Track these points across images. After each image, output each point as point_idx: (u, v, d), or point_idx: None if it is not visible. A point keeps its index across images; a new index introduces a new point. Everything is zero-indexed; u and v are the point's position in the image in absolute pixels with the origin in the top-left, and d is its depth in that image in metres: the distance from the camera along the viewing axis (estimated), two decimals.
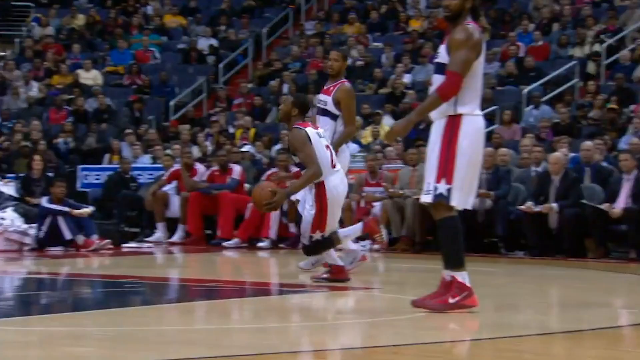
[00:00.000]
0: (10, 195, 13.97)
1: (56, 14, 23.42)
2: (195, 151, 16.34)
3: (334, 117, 8.99)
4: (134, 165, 15.87)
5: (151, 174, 15.69)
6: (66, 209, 12.83)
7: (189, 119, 19.67)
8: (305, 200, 8.60)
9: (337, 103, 8.95)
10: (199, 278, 9.03)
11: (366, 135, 17.01)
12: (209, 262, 12.10)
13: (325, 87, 9.19)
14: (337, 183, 8.32)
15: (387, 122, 17.39)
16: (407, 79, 19.04)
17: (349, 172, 14.75)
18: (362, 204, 13.36)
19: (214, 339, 5.71)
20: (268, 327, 6.21)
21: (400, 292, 7.98)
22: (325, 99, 9.06)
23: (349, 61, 20.12)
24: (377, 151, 14.71)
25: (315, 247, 8.40)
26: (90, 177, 16.44)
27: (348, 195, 13.48)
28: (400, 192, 13.10)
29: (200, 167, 14.51)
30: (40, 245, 12.73)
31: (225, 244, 13.44)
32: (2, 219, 12.75)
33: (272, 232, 13.32)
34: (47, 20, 22.97)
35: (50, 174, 14.75)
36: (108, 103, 19.69)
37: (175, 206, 14.22)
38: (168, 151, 15.79)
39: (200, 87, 20.97)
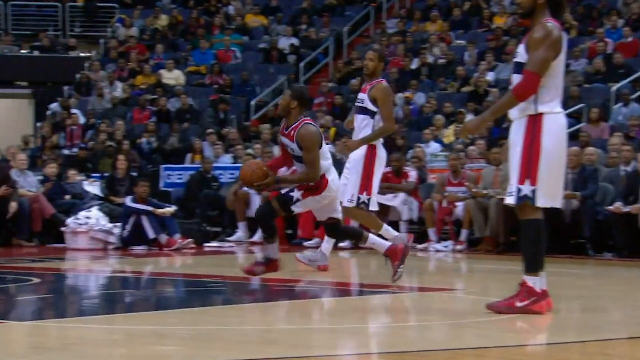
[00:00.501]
0: (95, 195, 14.26)
1: (140, 15, 23.79)
2: (276, 150, 16.42)
3: (371, 114, 9.08)
4: (215, 164, 16.03)
5: (232, 174, 15.81)
6: (149, 208, 13.01)
7: (270, 118, 19.79)
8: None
9: (373, 100, 9.05)
10: (280, 278, 9.05)
11: (448, 134, 16.88)
12: (289, 262, 12.13)
13: (363, 86, 9.33)
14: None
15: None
16: (490, 76, 18.84)
17: (430, 170, 14.80)
18: (444, 203, 13.26)
19: (294, 339, 5.72)
20: (349, 327, 6.20)
21: (483, 294, 7.89)
22: (362, 97, 9.20)
23: (431, 59, 20.13)
24: (459, 150, 14.58)
25: (344, 232, 8.46)
26: (173, 176, 16.64)
27: (430, 195, 13.47)
28: (484, 191, 12.96)
29: (281, 168, 14.55)
30: (124, 244, 12.94)
31: (306, 243, 13.47)
32: (88, 218, 13.00)
33: None
34: (131, 21, 23.35)
35: (133, 174, 14.99)
36: (190, 103, 19.93)
37: (256, 205, 14.29)
38: (249, 150, 15.90)
39: (281, 87, 21.07)
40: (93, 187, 14.65)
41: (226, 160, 16.83)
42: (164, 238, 12.94)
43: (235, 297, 8.30)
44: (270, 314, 7.14)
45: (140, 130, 19.08)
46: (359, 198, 8.97)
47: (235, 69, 21.63)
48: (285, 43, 22.27)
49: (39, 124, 20.38)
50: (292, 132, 8.18)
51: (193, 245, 13.13)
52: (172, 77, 21.15)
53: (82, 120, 19.44)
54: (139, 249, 12.81)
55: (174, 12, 23.69)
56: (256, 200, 14.30)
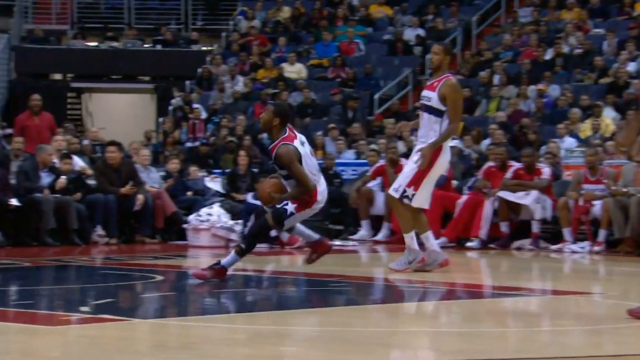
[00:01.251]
0: (217, 191, 14.49)
1: (262, 7, 24.07)
2: (401, 146, 16.36)
3: (439, 114, 9.02)
4: (338, 160, 16.07)
5: (355, 170, 15.83)
6: None
7: (394, 113, 19.73)
8: None
9: (442, 99, 8.98)
10: (405, 278, 9.02)
11: (585, 129, 16.51)
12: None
13: (428, 83, 9.25)
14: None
15: (608, 114, 16.80)
16: (631, 67, 18.34)
17: (565, 167, 14.51)
18: (581, 202, 12.96)
19: (420, 342, 5.69)
20: (479, 331, 6.13)
21: (623, 299, 7.69)
22: (429, 95, 9.10)
23: (567, 49, 19.71)
24: (597, 145, 14.24)
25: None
26: None
27: (564, 193, 13.18)
28: (624, 189, 12.62)
29: (406, 162, 14.49)
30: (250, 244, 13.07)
31: None
32: (209, 214, 13.23)
33: (483, 232, 13.14)
34: (254, 14, 23.65)
35: (255, 170, 15.17)
36: (312, 97, 20.05)
37: (380, 203, 14.29)
38: (373, 146, 15.88)
39: (406, 80, 20.99)
40: (214, 184, 14.88)
41: (349, 156, 16.87)
42: (285, 236, 13.04)
43: (359, 297, 8.31)
44: (396, 315, 7.11)
45: None
46: (404, 190, 9.10)
47: (358, 61, 21.66)
48: (410, 34, 22.17)
49: (160, 119, 20.86)
50: (272, 152, 8.39)
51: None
52: (294, 70, 21.33)
53: (203, 115, 19.79)
54: (261, 246, 12.95)
55: (296, 4, 23.88)
56: (380, 198, 14.29)
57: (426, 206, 9.27)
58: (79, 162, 14.09)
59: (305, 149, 8.46)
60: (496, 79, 19.12)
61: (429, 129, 9.09)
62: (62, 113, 21.56)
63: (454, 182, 14.18)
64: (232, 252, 8.57)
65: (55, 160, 13.60)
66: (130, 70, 23.90)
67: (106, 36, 24.33)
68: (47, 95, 18.57)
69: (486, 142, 16.07)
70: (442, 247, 13.05)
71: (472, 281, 9.82)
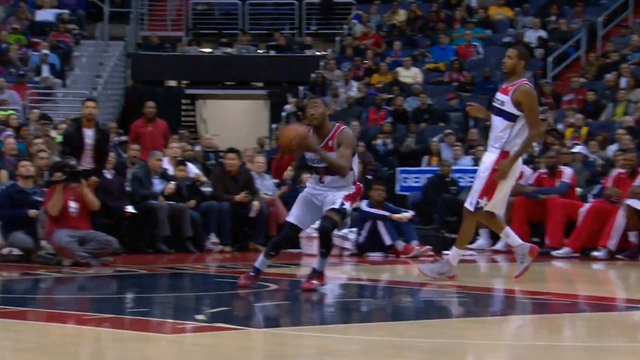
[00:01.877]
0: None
1: (377, 10, 24.11)
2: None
3: (511, 118, 9.07)
4: (454, 167, 15.96)
5: (472, 177, 15.63)
6: (386, 213, 13.14)
7: None
8: None
9: (517, 104, 9.05)
10: (526, 289, 8.90)
11: None
12: (536, 273, 11.89)
13: (503, 86, 9.31)
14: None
15: None
16: None
17: None
18: None
19: (542, 356, 5.60)
20: (606, 346, 6.00)
21: None
22: (502, 99, 9.16)
23: None
24: None
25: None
26: (410, 179, 16.73)
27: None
28: None
29: (526, 169, 14.31)
30: (360, 251, 13.13)
31: (554, 253, 13.15)
32: None
33: (612, 242, 12.80)
34: (368, 17, 23.70)
35: (369, 177, 15.18)
36: (428, 102, 19.97)
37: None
38: None
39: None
40: None
41: (466, 162, 16.73)
42: (400, 245, 13.03)
43: (477, 308, 8.23)
44: (516, 328, 7.02)
45: (376, 131, 19.31)
46: (477, 202, 9.22)
47: (476, 65, 21.49)
48: (532, 36, 21.88)
49: (274, 126, 21.08)
50: (330, 143, 8.51)
51: (431, 253, 13.12)
52: (410, 75, 21.29)
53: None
54: (375, 255, 12.96)
55: (412, 7, 23.84)
56: None
57: (500, 211, 9.50)
58: (193, 169, 14.35)
59: None
60: (623, 82, 18.71)
61: (496, 134, 9.18)
62: (177, 120, 21.99)
63: (578, 190, 13.91)
64: (319, 258, 8.72)
65: (170, 167, 13.88)
66: (244, 76, 24.23)
67: (220, 42, 24.73)
68: (162, 102, 19.00)
69: (612, 147, 15.72)
70: (565, 258, 12.90)
71: (598, 293, 9.62)
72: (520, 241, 9.53)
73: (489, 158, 9.22)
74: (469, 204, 9.31)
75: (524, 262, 9.48)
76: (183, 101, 24.87)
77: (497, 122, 9.15)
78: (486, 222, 9.65)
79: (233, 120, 25.65)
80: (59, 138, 14.01)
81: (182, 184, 13.50)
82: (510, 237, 9.52)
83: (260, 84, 24.75)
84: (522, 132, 9.12)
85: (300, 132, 8.58)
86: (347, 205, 8.53)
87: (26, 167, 11.88)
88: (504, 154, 9.13)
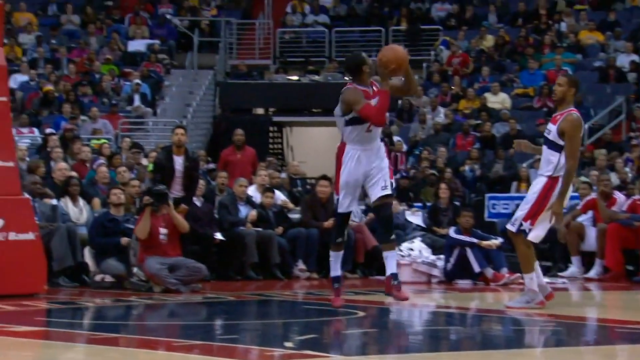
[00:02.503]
0: (418, 225, 14.49)
1: (465, 36, 24.03)
2: (614, 178, 15.90)
3: (557, 148, 9.06)
4: None
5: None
6: (474, 240, 13.03)
7: (606, 143, 19.21)
8: None
9: (561, 133, 9.03)
10: (620, 319, 8.73)
11: None
12: (631, 301, 11.68)
13: (553, 116, 9.30)
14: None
15: None
16: None
17: None
18: None
19: None
20: None
21: None
22: (550, 128, 9.18)
23: None
24: None
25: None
26: (498, 206, 16.59)
27: None
28: None
29: (619, 195, 14.10)
30: (448, 278, 13.04)
31: None
32: (410, 249, 13.25)
33: None
34: (456, 43, 23.62)
35: (457, 203, 15.09)
36: (517, 128, 19.81)
37: (591, 239, 13.91)
38: (583, 178, 15.51)
39: (619, 108, 20.40)
40: (415, 218, 14.90)
41: None
42: (490, 272, 12.90)
43: (570, 338, 8.09)
44: (610, 358, 6.88)
45: (464, 157, 19.21)
46: (521, 224, 9.19)
47: None
48: (624, 60, 21.57)
49: None
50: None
51: (521, 281, 12.96)
52: (498, 100, 21.15)
53: (404, 147, 19.90)
54: (464, 283, 12.85)
55: (500, 32, 23.71)
56: (592, 233, 13.91)
57: (537, 241, 9.39)
58: (280, 196, 14.43)
59: None
60: None
61: (546, 162, 9.19)
62: (264, 147, 22.15)
63: None
64: (390, 253, 8.93)
65: (258, 194, 13.99)
66: (331, 103, 24.16)
67: (307, 70, 24.89)
68: (250, 129, 19.14)
69: None
70: None
71: None
72: (536, 288, 9.38)
73: (538, 184, 9.25)
74: (511, 225, 9.32)
75: (528, 303, 9.38)
76: (270, 129, 25.03)
77: (546, 152, 9.20)
78: (522, 251, 9.44)
79: (319, 147, 25.69)
80: (150, 166, 14.23)
81: (269, 211, 13.60)
82: (533, 279, 9.37)
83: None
84: None
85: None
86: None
87: (117, 195, 12.09)
88: (552, 180, 9.12)
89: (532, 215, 9.20)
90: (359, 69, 8.93)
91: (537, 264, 9.48)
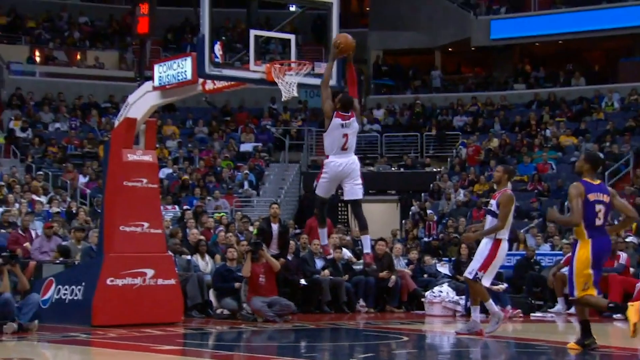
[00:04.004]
0: (445, 274, 14.29)
1: (477, 139, 23.90)
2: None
3: (495, 216, 8.94)
4: (537, 251, 15.48)
5: (551, 259, 15.17)
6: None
7: None
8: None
9: (497, 205, 8.92)
10: (620, 346, 8.33)
11: None
12: (600, 330, 11.27)
13: (492, 194, 9.50)
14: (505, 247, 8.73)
15: None
16: None
17: None
18: None
19: None
20: None
21: None
22: (492, 203, 9.16)
23: None
24: None
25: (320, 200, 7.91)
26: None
27: None
28: None
29: (622, 254, 13.67)
30: (468, 313, 12.73)
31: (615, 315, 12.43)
32: (440, 291, 13.06)
33: None
34: (471, 144, 23.46)
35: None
36: (516, 204, 19.45)
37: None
38: (565, 240, 15.19)
39: None
40: (444, 268, 14.70)
41: (546, 248, 16.20)
42: (498, 308, 12.59)
43: (558, 358, 7.82)
44: None
45: (478, 224, 18.91)
46: (476, 273, 8.99)
47: (551, 177, 20.94)
48: None
49: (403, 221, 20.96)
50: None
51: (521, 315, 12.66)
52: None
53: (435, 217, 19.73)
54: (480, 316, 12.54)
55: (503, 136, 23.55)
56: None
57: (488, 285, 9.20)
58: (347, 253, 14.35)
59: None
60: None
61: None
62: (335, 217, 22.17)
63: (632, 270, 13.21)
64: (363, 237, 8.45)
65: (331, 251, 13.92)
66: (381, 186, 24.29)
67: (365, 162, 24.91)
68: None
69: None
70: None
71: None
72: (496, 309, 9.26)
73: (487, 244, 9.07)
74: (468, 274, 9.11)
75: (496, 324, 9.25)
76: (339, 204, 25.04)
77: (488, 220, 9.14)
78: (475, 290, 9.24)
79: (375, 218, 25.58)
80: (255, 231, 14.31)
81: (339, 263, 13.52)
82: (493, 305, 9.23)
83: (393, 192, 24.72)
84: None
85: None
86: (315, 183, 8.18)
87: (232, 252, 12.14)
88: (496, 241, 9.01)
89: (484, 267, 9.03)
90: (351, 104, 8.06)
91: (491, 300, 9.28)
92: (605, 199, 7.92)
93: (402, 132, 25.77)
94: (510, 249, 17.09)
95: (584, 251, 7.78)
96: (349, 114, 7.98)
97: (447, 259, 15.81)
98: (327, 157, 8.04)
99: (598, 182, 8.11)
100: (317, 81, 8.62)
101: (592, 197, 7.86)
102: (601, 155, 20.92)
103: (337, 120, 7.93)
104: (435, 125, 25.48)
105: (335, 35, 8.48)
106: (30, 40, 26.81)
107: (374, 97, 28.12)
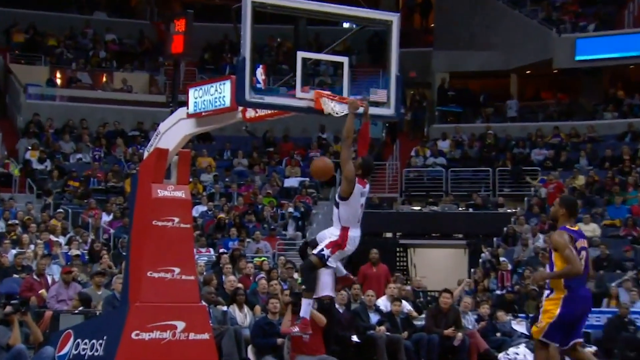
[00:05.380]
0: (523, 333, 14.06)
1: (560, 176, 23.61)
2: None
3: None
4: (632, 309, 15.11)
5: None
6: None
7: None
8: None
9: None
10: None
11: None
12: None
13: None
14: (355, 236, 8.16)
15: None
16: None
17: None
18: None
19: None
20: None
21: None
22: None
23: None
24: None
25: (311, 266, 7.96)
26: (591, 319, 15.91)
27: None
28: None
29: None
30: None
31: None
32: (516, 354, 12.85)
33: None
34: (553, 181, 23.19)
35: None
36: (607, 252, 19.17)
37: None
38: None
39: None
40: (520, 326, 14.47)
41: None
42: None
43: None
44: None
45: None
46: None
47: None
48: None
49: (472, 270, 20.73)
50: None
51: None
52: (589, 229, 20.50)
53: (510, 266, 19.47)
54: None
55: (590, 173, 23.23)
56: None
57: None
58: (406, 306, 14.24)
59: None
60: None
61: None
62: (392, 264, 22.04)
63: None
64: (303, 301, 8.35)
65: (388, 303, 13.83)
66: (447, 229, 24.12)
67: (428, 201, 24.86)
68: (380, 250, 19.07)
69: None
70: None
71: None
72: None
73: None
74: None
75: None
76: (397, 249, 24.94)
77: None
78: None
79: (438, 265, 25.40)
80: (300, 279, 14.31)
81: (398, 317, 13.42)
82: None
83: (460, 236, 24.53)
84: None
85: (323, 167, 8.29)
86: (326, 251, 8.09)
87: (274, 304, 12.14)
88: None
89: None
90: (372, 170, 8.49)
91: None
92: (586, 244, 8.13)
93: (471, 166, 25.65)
94: (598, 305, 16.88)
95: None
96: (366, 181, 8.31)
97: (523, 315, 15.57)
98: (344, 229, 8.22)
99: (577, 227, 8.22)
100: (372, 110, 8.71)
101: (579, 244, 7.97)
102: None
103: (357, 188, 8.15)
104: (510, 159, 25.30)
105: (394, 55, 8.57)
106: (50, 61, 27.48)
107: (439, 126, 28.13)
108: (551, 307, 7.86)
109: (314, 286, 8.43)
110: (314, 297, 11.39)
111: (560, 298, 7.84)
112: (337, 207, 8.25)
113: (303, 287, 8.46)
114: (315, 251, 8.22)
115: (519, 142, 25.91)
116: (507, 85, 28.80)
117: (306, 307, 8.43)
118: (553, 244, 8.13)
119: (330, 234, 8.34)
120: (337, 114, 8.41)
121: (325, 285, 12.05)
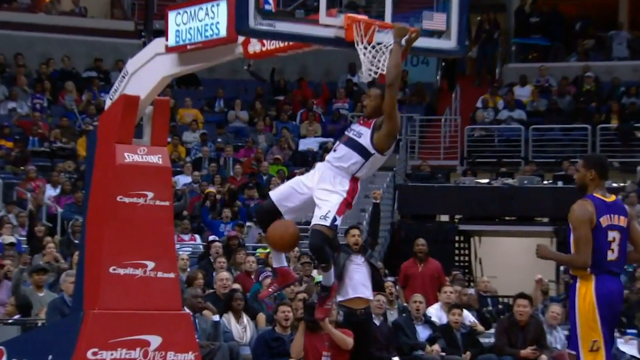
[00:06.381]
0: (633, 356, 14.12)
1: None
2: None
3: None
4: None
5: None
6: None
7: None
8: None
9: None
10: None
11: None
12: None
13: None
14: None
15: None
16: None
17: None
18: None
19: None
20: None
21: None
22: None
23: None
24: None
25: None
26: None
27: None
28: None
29: None
30: None
31: None
32: None
33: None
34: None
35: None
36: None
37: None
38: None
39: None
40: (629, 347, 14.51)
41: None
42: None
43: None
44: None
45: None
46: None
47: None
48: None
49: (562, 269, 20.72)
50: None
51: None
52: None
53: None
54: None
55: None
56: None
57: None
58: (468, 317, 14.30)
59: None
60: None
61: None
62: (449, 259, 22.06)
63: None
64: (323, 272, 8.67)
65: (443, 313, 13.90)
66: (527, 210, 24.09)
67: (499, 172, 24.83)
68: (433, 239, 19.15)
69: None
70: None
71: None
72: None
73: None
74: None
75: None
76: (456, 238, 24.99)
77: None
78: None
79: (513, 261, 25.45)
80: (318, 278, 14.39)
81: (457, 332, 13.49)
82: None
83: (545, 220, 24.50)
84: None
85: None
86: (339, 220, 8.33)
87: (285, 313, 12.20)
88: None
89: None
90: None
91: None
92: (622, 222, 8.11)
93: (561, 123, 25.58)
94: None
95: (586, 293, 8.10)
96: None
97: (633, 331, 15.60)
98: (355, 180, 8.47)
99: (612, 197, 8.25)
100: (425, 42, 8.68)
101: (604, 221, 8.07)
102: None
103: None
104: (616, 112, 25.21)
105: None
106: None
107: (516, 65, 28.13)
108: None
109: (331, 259, 8.70)
110: (339, 301, 11.50)
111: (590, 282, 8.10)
112: (366, 158, 8.36)
113: (322, 265, 8.64)
114: (327, 222, 8.35)
115: (630, 89, 25.81)
116: (614, 8, 28.65)
117: (328, 277, 8.69)
118: (569, 217, 8.29)
119: (335, 193, 8.47)
120: (377, 47, 8.36)
121: (357, 284, 12.14)
